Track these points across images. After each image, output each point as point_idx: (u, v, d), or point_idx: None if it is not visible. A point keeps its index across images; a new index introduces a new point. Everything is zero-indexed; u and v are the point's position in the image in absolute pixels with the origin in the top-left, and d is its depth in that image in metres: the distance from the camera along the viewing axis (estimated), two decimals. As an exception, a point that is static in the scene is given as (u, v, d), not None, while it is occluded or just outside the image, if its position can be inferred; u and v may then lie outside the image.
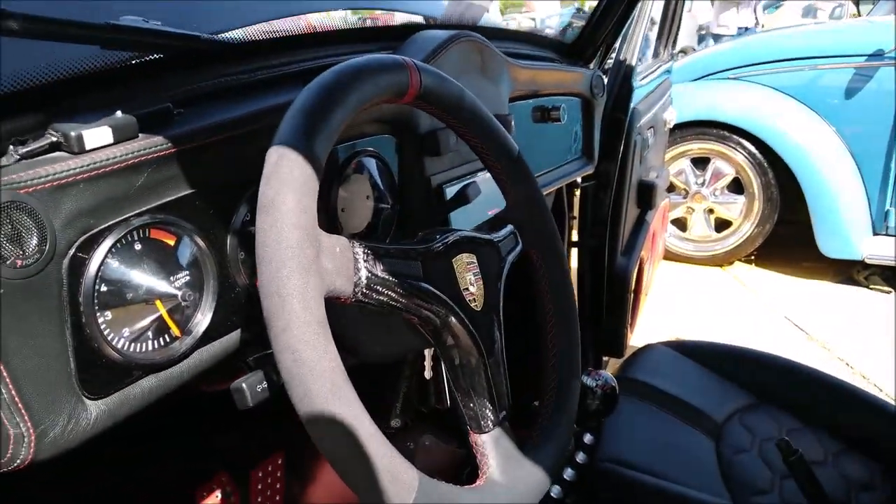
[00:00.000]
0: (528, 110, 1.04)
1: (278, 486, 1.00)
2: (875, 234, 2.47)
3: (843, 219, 2.44)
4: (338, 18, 0.82)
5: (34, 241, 0.40)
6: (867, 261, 2.42)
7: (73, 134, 0.43)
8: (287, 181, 0.41)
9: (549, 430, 0.58)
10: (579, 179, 1.40)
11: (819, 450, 1.02)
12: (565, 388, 0.61)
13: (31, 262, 0.40)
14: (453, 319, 0.51)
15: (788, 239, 2.65)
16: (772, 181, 2.54)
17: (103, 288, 0.45)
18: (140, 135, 0.47)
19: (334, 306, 0.44)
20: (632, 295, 1.54)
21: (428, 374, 0.72)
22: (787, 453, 0.80)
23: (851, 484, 0.98)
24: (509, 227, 0.62)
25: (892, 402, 1.08)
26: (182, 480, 0.89)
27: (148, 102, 0.49)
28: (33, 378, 0.41)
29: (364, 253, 0.46)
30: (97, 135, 0.44)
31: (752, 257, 2.74)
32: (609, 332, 1.53)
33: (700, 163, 2.69)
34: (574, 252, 1.48)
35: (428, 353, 0.72)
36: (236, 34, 0.63)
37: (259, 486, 0.97)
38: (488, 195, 0.76)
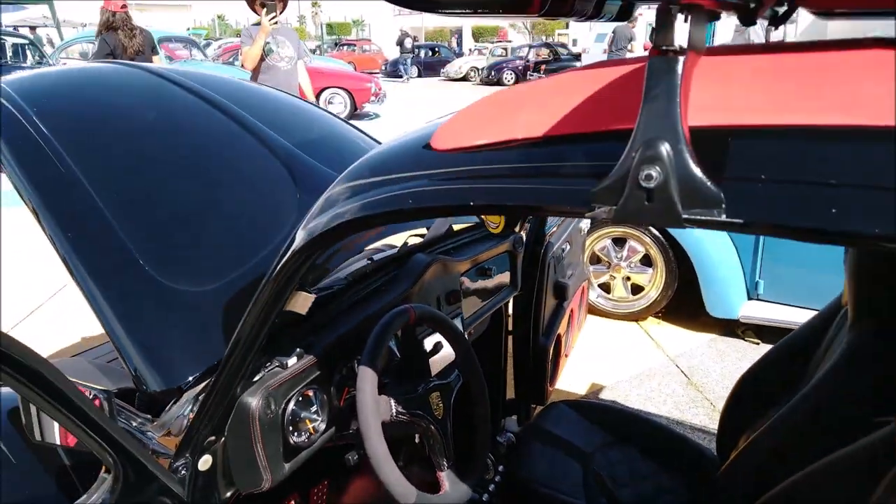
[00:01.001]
0: (475, 270, 1.76)
1: (325, 499, 1.68)
2: (749, 298, 3.25)
3: (724, 287, 3.21)
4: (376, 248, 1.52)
5: (273, 406, 1.08)
6: (742, 320, 3.19)
7: (284, 361, 1.11)
8: (367, 380, 1.10)
9: (470, 471, 1.28)
10: (511, 291, 2.11)
11: (646, 471, 1.73)
12: (480, 449, 1.31)
13: (272, 414, 1.08)
14: (431, 426, 1.20)
15: (686, 301, 3.41)
16: (672, 258, 3.30)
17: (290, 417, 1.13)
18: (305, 356, 1.15)
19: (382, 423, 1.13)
20: (550, 364, 2.25)
21: (417, 440, 1.41)
22: (598, 479, 1.51)
23: (661, 492, 1.69)
24: (457, 372, 1.32)
25: (690, 437, 1.80)
26: (273, 498, 1.56)
27: (300, 337, 1.18)
28: (270, 457, 1.09)
29: (394, 402, 1.15)
30: (291, 361, 1.12)
31: (660, 315, 3.51)
32: (534, 390, 2.24)
33: (619, 242, 3.45)
34: (510, 339, 2.19)
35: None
36: (327, 285, 1.32)
37: (314, 500, 1.65)
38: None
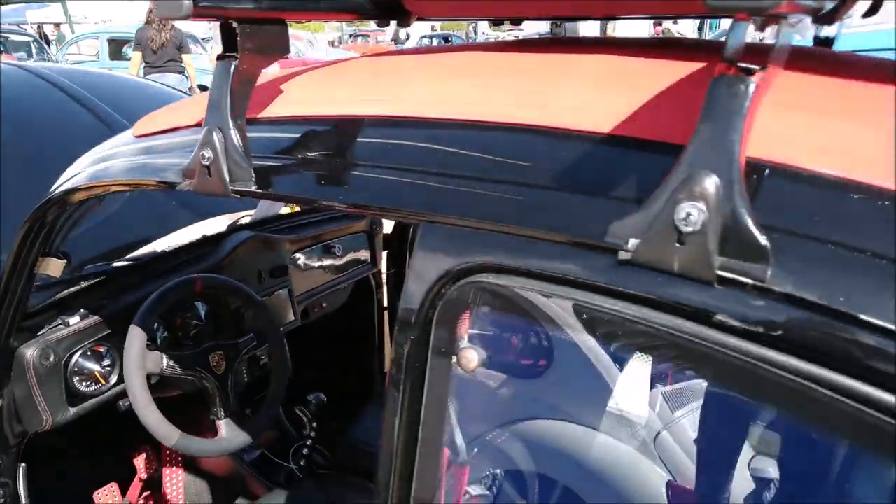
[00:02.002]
0: (320, 248, 1.90)
1: (179, 454, 1.85)
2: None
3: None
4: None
5: (53, 357, 1.25)
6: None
7: (68, 320, 1.28)
8: (135, 337, 1.26)
9: (252, 422, 1.43)
10: (384, 268, 2.24)
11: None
12: (269, 403, 1.47)
13: (51, 363, 1.25)
14: (206, 380, 1.36)
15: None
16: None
17: (75, 369, 1.30)
18: (90, 316, 1.32)
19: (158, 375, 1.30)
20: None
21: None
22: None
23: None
24: (251, 335, 1.48)
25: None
26: (123, 447, 1.75)
27: (95, 299, 1.35)
28: (51, 400, 1.26)
29: (167, 358, 1.31)
30: (74, 319, 1.29)
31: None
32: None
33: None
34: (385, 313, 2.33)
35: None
36: (141, 255, 1.49)
37: (167, 450, 1.82)
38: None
